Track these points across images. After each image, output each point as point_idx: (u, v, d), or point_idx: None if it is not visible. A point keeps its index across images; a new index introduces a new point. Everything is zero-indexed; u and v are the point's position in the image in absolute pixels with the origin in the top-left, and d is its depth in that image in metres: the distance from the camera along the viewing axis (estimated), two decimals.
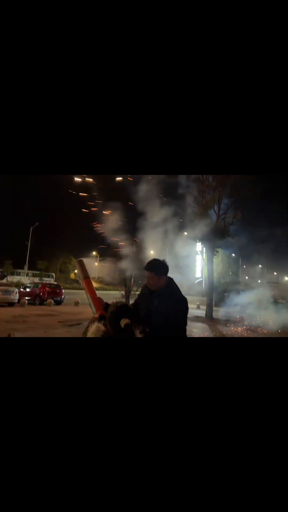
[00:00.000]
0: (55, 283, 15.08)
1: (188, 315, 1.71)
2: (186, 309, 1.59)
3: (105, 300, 1.49)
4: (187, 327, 1.62)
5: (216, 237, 9.39)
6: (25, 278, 20.74)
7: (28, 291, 12.00)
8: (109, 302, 1.44)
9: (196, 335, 4.98)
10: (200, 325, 6.52)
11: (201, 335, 5.15)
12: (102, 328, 1.28)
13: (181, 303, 1.58)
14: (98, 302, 1.44)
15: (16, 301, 10.09)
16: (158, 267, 1.59)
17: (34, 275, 22.34)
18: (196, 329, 5.81)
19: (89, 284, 1.53)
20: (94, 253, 27.10)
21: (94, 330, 1.29)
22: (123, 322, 1.28)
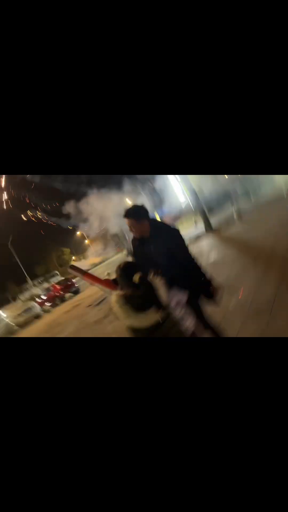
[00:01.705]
0: (62, 278, 15.30)
1: (189, 237, 1.74)
2: (181, 239, 1.62)
3: (113, 276, 1.52)
4: (196, 251, 1.68)
5: None
6: (36, 289, 21.05)
7: (46, 298, 12.31)
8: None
9: (206, 254, 5.18)
10: (205, 243, 6.72)
11: (212, 251, 5.35)
12: (122, 293, 1.34)
13: (174, 235, 1.61)
14: (106, 283, 1.47)
15: (40, 311, 10.44)
16: (136, 212, 1.56)
17: (41, 282, 22.57)
18: (204, 248, 6.01)
19: (90, 276, 1.56)
20: (78, 233, 26.62)
21: (116, 300, 1.35)
22: (136, 277, 1.33)
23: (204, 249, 5.71)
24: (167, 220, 13.18)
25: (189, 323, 1.42)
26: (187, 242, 1.70)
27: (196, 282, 1.55)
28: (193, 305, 1.55)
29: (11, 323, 10.02)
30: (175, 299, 1.47)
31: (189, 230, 9.91)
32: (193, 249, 5.69)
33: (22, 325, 9.77)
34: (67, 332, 5.50)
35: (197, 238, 7.66)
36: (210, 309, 1.63)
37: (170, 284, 1.57)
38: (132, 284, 1.36)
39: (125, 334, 1.38)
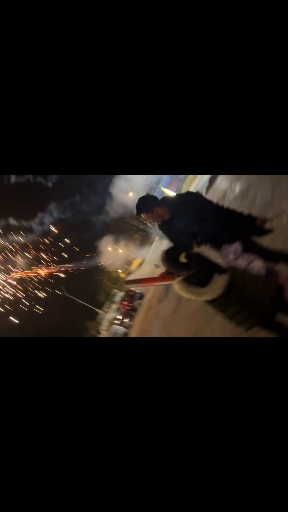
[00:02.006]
0: (123, 292, 16.10)
1: (201, 186, 1.67)
2: (197, 197, 1.57)
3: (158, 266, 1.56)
4: (218, 196, 1.62)
5: None
6: (109, 314, 22.52)
7: (121, 317, 13.16)
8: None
9: (228, 192, 4.88)
10: (219, 182, 6.32)
11: (232, 185, 5.02)
12: (180, 279, 1.36)
13: (189, 199, 1.57)
14: (163, 278, 1.50)
15: (125, 330, 11.21)
16: (144, 204, 1.57)
17: (109, 307, 24.05)
18: (222, 187, 5.66)
19: (146, 281, 1.62)
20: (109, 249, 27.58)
21: (179, 287, 1.38)
22: (181, 258, 1.33)
23: (222, 188, 5.37)
24: (174, 186, 12.73)
25: (257, 265, 1.37)
26: (204, 194, 1.64)
27: (238, 226, 1.49)
28: (250, 247, 1.49)
29: None
30: (231, 254, 1.43)
31: (196, 181, 9.44)
32: (215, 196, 5.40)
33: None
34: (157, 332, 5.78)
35: (211, 181, 7.24)
36: (268, 238, 1.56)
37: (217, 243, 1.54)
38: (183, 265, 1.36)
39: (207, 308, 1.40)
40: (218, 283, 1.29)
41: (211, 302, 1.36)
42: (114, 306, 21.44)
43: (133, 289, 12.87)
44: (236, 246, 1.45)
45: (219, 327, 2.61)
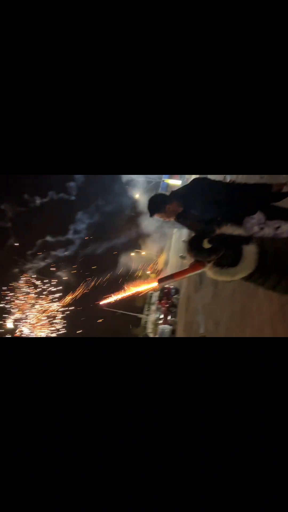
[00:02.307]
0: (158, 291, 16.18)
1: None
2: (204, 181, 1.58)
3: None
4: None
5: None
6: (151, 316, 22.74)
7: (163, 316, 13.20)
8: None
9: None
10: None
11: None
12: (210, 265, 1.38)
13: (197, 186, 1.58)
14: (194, 268, 1.52)
15: (171, 327, 11.26)
16: (154, 207, 1.60)
17: (149, 309, 24.27)
18: None
19: (178, 275, 1.64)
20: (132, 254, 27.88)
21: (211, 273, 1.39)
22: (205, 244, 1.34)
23: None
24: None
25: (285, 229, 1.34)
26: (211, 177, 1.64)
27: (254, 197, 1.47)
28: (273, 213, 1.46)
29: None
30: (255, 225, 1.42)
31: None
32: (221, 175, 5.26)
33: None
34: (203, 320, 5.75)
35: None
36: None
37: (238, 219, 1.53)
38: (209, 250, 1.36)
39: (247, 284, 1.40)
40: (250, 258, 1.28)
41: (248, 278, 1.35)
42: (153, 307, 21.61)
43: (166, 286, 12.88)
44: (259, 216, 1.44)
45: (264, 299, 2.56)
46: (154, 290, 1.71)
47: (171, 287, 12.72)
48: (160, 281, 1.77)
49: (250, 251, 1.29)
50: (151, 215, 1.63)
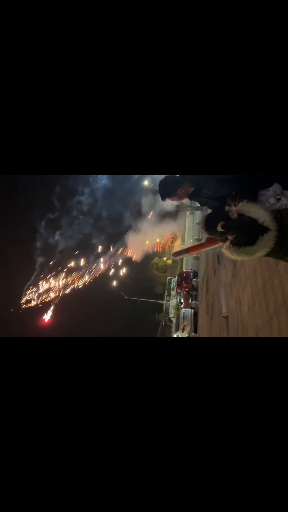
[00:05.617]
0: (176, 277, 16.19)
1: None
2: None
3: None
4: None
5: None
6: (172, 301, 22.96)
7: (184, 300, 13.26)
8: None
9: None
10: None
11: None
12: (227, 243, 1.37)
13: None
14: (210, 242, 1.51)
15: (192, 310, 11.28)
16: (165, 191, 1.59)
17: (169, 295, 24.41)
18: None
19: (194, 248, 1.64)
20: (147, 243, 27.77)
21: (229, 252, 1.39)
22: (219, 227, 1.33)
23: None
24: None
25: None
26: None
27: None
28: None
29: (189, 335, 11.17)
30: (271, 197, 1.38)
31: None
32: None
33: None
34: (225, 300, 5.73)
35: None
36: None
37: (252, 194, 1.50)
38: (220, 232, 1.34)
39: (267, 259, 1.39)
40: (268, 235, 1.26)
41: (268, 254, 1.33)
42: (173, 293, 21.72)
43: (184, 270, 12.85)
44: (275, 188, 1.40)
45: (286, 273, 2.51)
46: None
47: (190, 270, 12.69)
48: (175, 254, 1.76)
49: (267, 228, 1.27)
50: (163, 199, 1.63)
